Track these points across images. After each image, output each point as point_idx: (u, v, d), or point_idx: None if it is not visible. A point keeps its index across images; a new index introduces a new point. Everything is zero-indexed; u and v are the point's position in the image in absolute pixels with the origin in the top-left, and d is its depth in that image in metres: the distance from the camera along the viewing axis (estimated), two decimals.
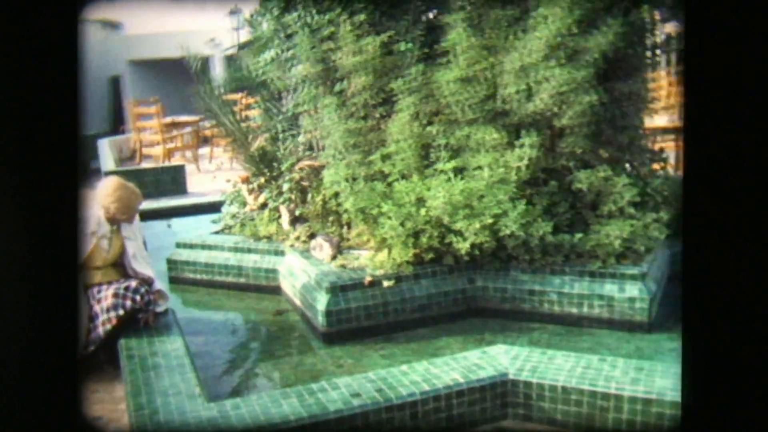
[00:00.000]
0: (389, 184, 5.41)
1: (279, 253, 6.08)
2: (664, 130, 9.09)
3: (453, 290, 5.23)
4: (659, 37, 6.06)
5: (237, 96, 12.11)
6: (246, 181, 6.65)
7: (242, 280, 6.21)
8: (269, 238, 6.30)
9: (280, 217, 6.37)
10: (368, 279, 5.03)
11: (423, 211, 5.00)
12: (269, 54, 6.46)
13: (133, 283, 4.68)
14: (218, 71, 21.14)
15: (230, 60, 21.45)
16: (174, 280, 6.51)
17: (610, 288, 4.95)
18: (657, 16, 5.90)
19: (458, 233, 4.96)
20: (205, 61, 7.06)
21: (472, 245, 4.93)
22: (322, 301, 4.99)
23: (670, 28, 6.25)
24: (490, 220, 4.80)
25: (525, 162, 5.09)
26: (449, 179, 5.14)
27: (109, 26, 26.30)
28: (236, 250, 6.30)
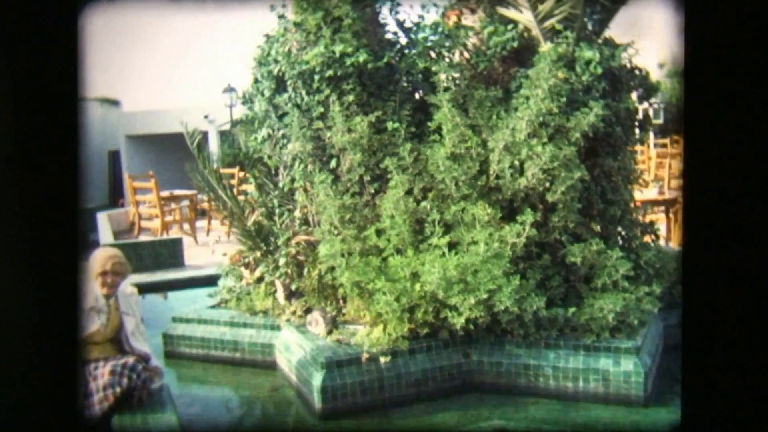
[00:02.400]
0: (384, 259, 5.47)
1: (275, 328, 6.10)
2: (654, 203, 9.24)
3: (448, 365, 5.24)
4: (639, 115, 6.27)
5: (233, 170, 12.29)
6: (238, 261, 6.72)
7: (238, 355, 6.21)
8: (265, 312, 6.33)
9: (276, 291, 6.41)
10: (365, 356, 5.05)
11: (418, 286, 5.06)
12: (263, 133, 6.60)
13: (130, 360, 4.67)
14: (213, 146, 21.42)
15: (225, 135, 21.77)
16: (169, 355, 6.50)
17: (605, 362, 4.98)
18: (634, 96, 6.12)
19: (453, 308, 5.01)
20: (202, 137, 7.19)
21: (467, 320, 4.97)
22: (317, 377, 5.00)
23: (647, 106, 6.47)
24: (484, 296, 4.85)
25: (522, 238, 5.18)
26: (443, 254, 5.22)
27: (107, 103, 26.70)
28: (232, 324, 6.32)
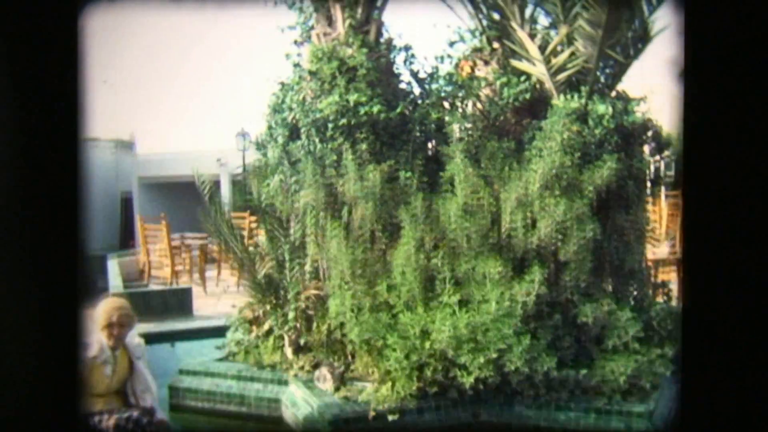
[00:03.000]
0: (394, 315, 5.38)
1: (282, 382, 5.99)
2: (666, 262, 9.09)
3: (457, 425, 5.11)
4: (651, 171, 6.21)
5: (244, 215, 12.26)
6: (249, 317, 6.64)
7: (244, 409, 6.09)
8: (273, 366, 6.22)
9: (284, 345, 6.31)
10: (372, 413, 4.94)
11: (428, 344, 4.96)
12: (275, 180, 6.57)
13: (135, 414, 4.58)
14: (225, 190, 21.46)
15: (237, 180, 21.82)
16: (175, 408, 6.39)
17: (616, 426, 4.84)
18: (647, 149, 6.06)
19: (463, 367, 4.90)
20: (214, 183, 7.18)
21: (477, 379, 4.87)
22: None
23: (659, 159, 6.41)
24: (494, 355, 4.75)
25: (532, 297, 5.08)
26: (454, 312, 5.12)
27: (121, 145, 26.91)
28: (239, 378, 6.21)
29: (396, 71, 6.65)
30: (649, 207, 6.48)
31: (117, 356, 4.80)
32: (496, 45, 6.63)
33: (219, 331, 8.07)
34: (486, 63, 6.69)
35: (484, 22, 6.81)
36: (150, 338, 8.05)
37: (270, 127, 6.72)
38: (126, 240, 24.55)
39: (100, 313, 4.76)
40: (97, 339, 4.72)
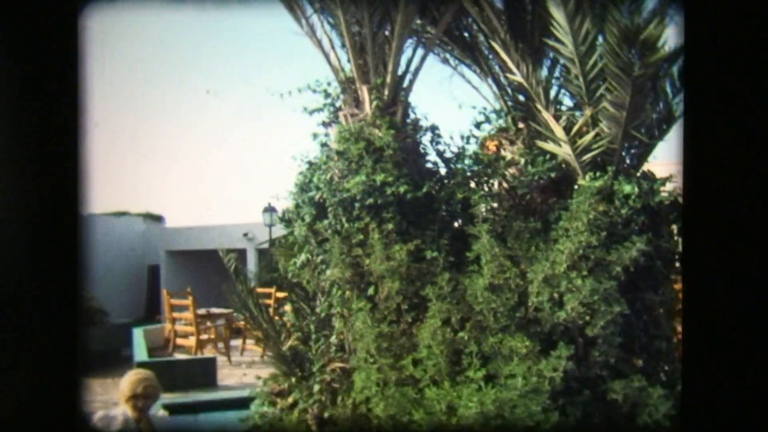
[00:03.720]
0: (420, 390, 5.38)
1: None
2: None
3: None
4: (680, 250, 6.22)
5: (270, 290, 12.35)
6: (281, 396, 6.64)
7: None
8: None
9: (309, 418, 6.30)
10: None
11: (454, 420, 4.94)
12: (302, 257, 6.67)
13: None
14: (251, 264, 21.62)
15: (263, 253, 22.02)
16: None
17: None
18: (674, 228, 6.10)
19: None
20: (239, 258, 7.29)
21: None
22: None
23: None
24: None
25: (560, 372, 5.08)
26: (480, 388, 5.11)
27: (150, 219, 27.34)
28: None
29: (422, 151, 6.80)
30: (678, 286, 6.47)
31: (141, 429, 4.82)
32: (521, 125, 6.79)
33: (243, 403, 8.06)
34: (511, 143, 6.83)
35: (509, 103, 6.99)
36: (174, 409, 8.08)
37: (297, 206, 6.85)
38: (152, 311, 24.67)
39: (126, 384, 4.80)
40: (121, 411, 4.75)
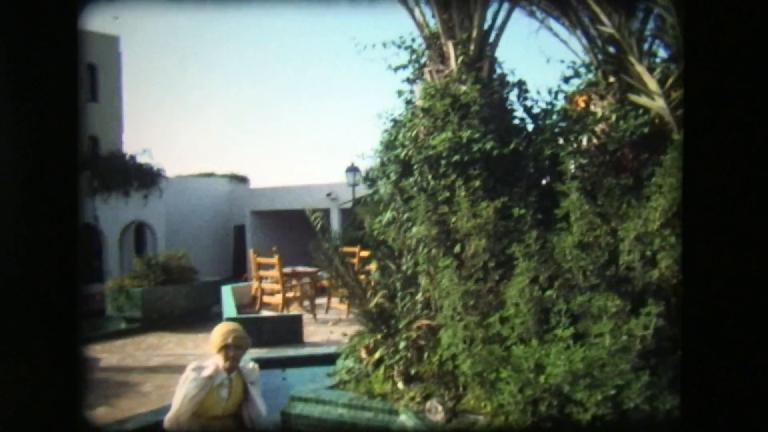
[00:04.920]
0: (507, 348, 5.35)
1: (393, 412, 6.02)
2: None
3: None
4: None
5: (354, 249, 12.46)
6: (368, 352, 6.70)
7: None
8: (384, 396, 6.27)
9: (394, 375, 6.36)
10: None
11: (542, 379, 4.90)
12: (387, 215, 6.68)
13: None
14: (335, 224, 21.87)
15: (346, 213, 22.25)
16: None
17: None
18: None
19: (579, 403, 4.80)
20: (324, 217, 7.35)
21: (594, 417, 4.75)
22: None
23: None
24: (612, 392, 4.64)
25: (650, 331, 4.96)
26: (568, 346, 5.05)
27: (236, 180, 27.96)
28: (350, 407, 6.29)
29: (509, 107, 6.69)
30: None
31: (232, 379, 4.95)
32: (612, 79, 6.58)
33: (329, 359, 8.21)
34: (602, 98, 6.64)
35: (600, 56, 6.78)
36: (261, 364, 8.28)
37: (382, 164, 6.86)
38: (238, 270, 25.30)
39: (217, 336, 4.94)
40: (213, 362, 4.89)
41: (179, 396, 4.74)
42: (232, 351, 4.90)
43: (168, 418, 4.79)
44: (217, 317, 12.35)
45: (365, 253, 11.95)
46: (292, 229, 25.17)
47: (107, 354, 11.71)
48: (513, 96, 6.69)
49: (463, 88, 6.32)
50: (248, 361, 5.35)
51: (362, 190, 8.05)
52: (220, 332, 4.96)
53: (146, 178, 22.28)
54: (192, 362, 4.94)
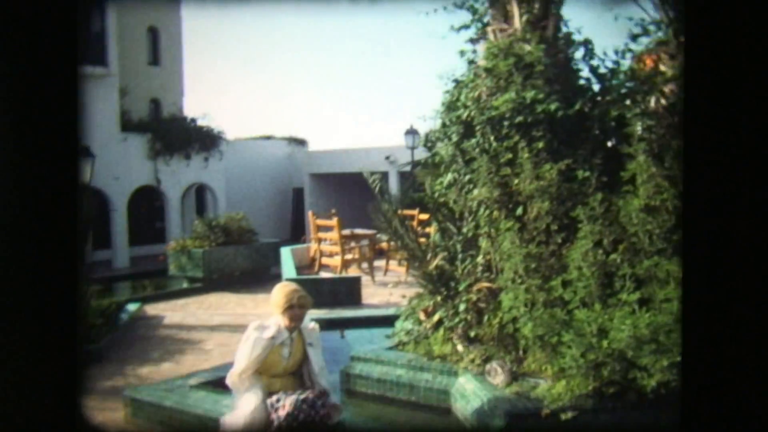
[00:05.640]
0: (569, 312, 5.29)
1: (452, 374, 6.03)
2: None
3: (634, 429, 4.94)
4: None
5: (413, 212, 12.44)
6: (428, 315, 6.70)
7: (413, 398, 6.18)
8: (443, 358, 6.28)
9: (454, 337, 6.35)
10: (545, 411, 4.87)
11: (605, 343, 4.83)
12: (448, 177, 6.62)
13: (311, 396, 4.75)
14: (393, 187, 21.85)
15: (405, 176, 22.19)
16: (346, 393, 6.58)
17: None
18: None
19: (643, 369, 4.73)
20: (384, 179, 7.32)
21: (658, 383, 4.68)
22: (495, 428, 4.87)
23: None
24: (678, 358, 4.55)
25: None
26: (633, 311, 4.96)
27: (294, 142, 28.11)
28: (409, 368, 6.32)
29: (574, 67, 6.53)
30: None
31: (294, 339, 4.99)
32: (683, 38, 6.34)
33: (387, 321, 8.26)
34: (671, 57, 6.41)
35: (671, 13, 6.54)
36: (320, 325, 8.36)
37: (444, 125, 6.78)
38: (297, 232, 25.56)
39: (279, 295, 4.97)
40: (275, 321, 4.93)
41: (241, 354, 4.81)
42: (294, 311, 4.94)
43: (230, 375, 4.88)
44: (276, 278, 12.50)
45: (424, 216, 11.94)
46: (350, 191, 25.26)
47: (171, 312, 11.98)
48: (578, 55, 6.53)
49: (527, 47, 6.18)
50: (309, 321, 5.40)
51: (421, 153, 7.99)
52: (282, 292, 5.00)
53: (207, 140, 22.57)
54: (254, 321, 5.00)
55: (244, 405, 4.72)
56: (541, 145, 5.81)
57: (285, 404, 4.68)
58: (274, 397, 4.79)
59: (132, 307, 11.31)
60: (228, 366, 5.28)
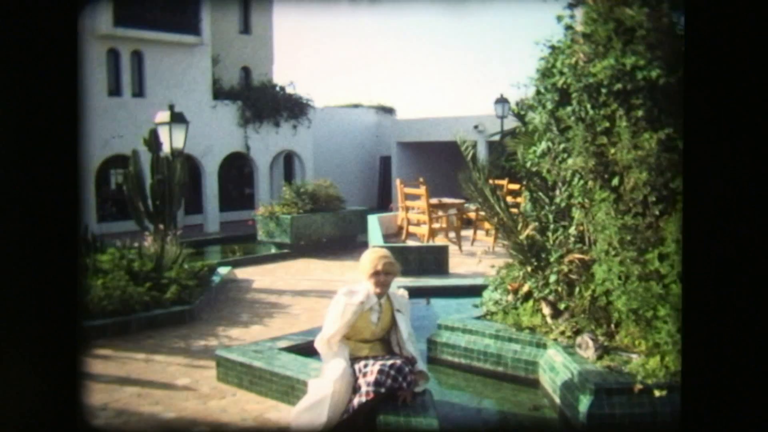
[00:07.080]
0: (665, 286, 5.11)
1: (540, 345, 5.95)
2: None
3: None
4: None
5: (502, 182, 12.29)
6: (515, 291, 6.61)
7: (500, 369, 6.14)
8: (532, 329, 6.20)
9: (543, 308, 6.25)
10: (637, 386, 4.75)
11: None
12: (542, 146, 6.48)
13: (398, 362, 4.77)
14: (481, 156, 21.68)
15: (493, 145, 21.96)
16: (432, 361, 6.59)
17: None
18: None
19: None
20: (475, 148, 7.22)
21: None
22: (584, 402, 4.79)
23: None
24: None
25: None
26: None
27: (382, 111, 28.16)
28: (497, 338, 6.26)
29: (679, 32, 6.24)
30: None
31: (382, 304, 5.00)
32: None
33: (474, 290, 8.21)
34: None
35: None
36: (408, 292, 8.39)
37: (538, 92, 6.62)
38: (383, 200, 25.70)
39: (367, 261, 4.99)
40: (364, 287, 4.95)
41: (331, 319, 4.86)
42: (382, 276, 4.95)
43: (319, 340, 4.93)
44: (363, 246, 12.60)
45: (513, 186, 11.78)
46: (438, 160, 25.19)
47: (259, 276, 12.25)
48: (683, 19, 6.23)
49: (629, 11, 5.93)
50: (398, 287, 5.40)
51: (510, 123, 7.84)
52: (370, 258, 5.01)
53: (295, 108, 22.85)
54: (342, 287, 5.03)
55: (332, 369, 4.77)
56: (640, 113, 5.59)
57: (372, 370, 4.71)
58: (362, 363, 4.83)
59: (223, 270, 11.61)
60: (316, 330, 5.35)
